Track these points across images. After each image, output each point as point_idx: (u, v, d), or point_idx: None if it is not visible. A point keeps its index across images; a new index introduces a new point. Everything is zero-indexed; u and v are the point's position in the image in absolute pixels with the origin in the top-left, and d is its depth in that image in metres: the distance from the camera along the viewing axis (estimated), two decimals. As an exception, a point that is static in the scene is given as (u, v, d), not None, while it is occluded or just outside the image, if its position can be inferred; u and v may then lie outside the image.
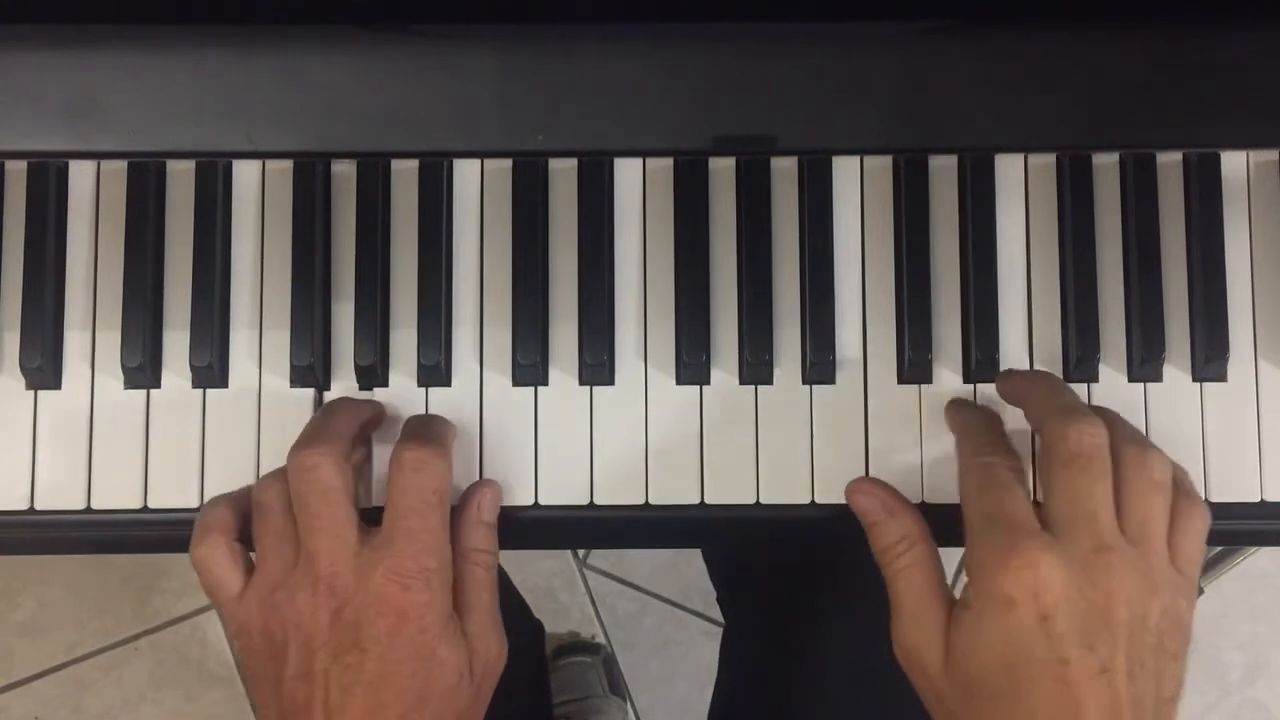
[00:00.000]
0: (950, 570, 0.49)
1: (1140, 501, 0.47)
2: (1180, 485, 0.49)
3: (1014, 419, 0.54)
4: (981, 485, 0.48)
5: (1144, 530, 0.46)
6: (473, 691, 0.49)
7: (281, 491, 0.49)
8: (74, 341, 0.55)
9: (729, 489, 0.55)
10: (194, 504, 0.54)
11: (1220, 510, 0.54)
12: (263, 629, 0.48)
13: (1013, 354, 0.55)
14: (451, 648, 0.48)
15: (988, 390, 0.55)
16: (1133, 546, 0.46)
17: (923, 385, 0.55)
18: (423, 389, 0.55)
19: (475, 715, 0.50)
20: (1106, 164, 0.56)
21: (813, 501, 0.55)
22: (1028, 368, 0.55)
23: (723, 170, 0.56)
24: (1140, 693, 0.44)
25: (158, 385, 0.55)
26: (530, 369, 0.55)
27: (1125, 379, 0.55)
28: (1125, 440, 0.48)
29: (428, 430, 0.52)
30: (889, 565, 0.49)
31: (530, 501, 0.55)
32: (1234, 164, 0.56)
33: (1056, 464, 0.47)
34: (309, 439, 0.49)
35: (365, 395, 0.55)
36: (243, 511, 0.50)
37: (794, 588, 0.78)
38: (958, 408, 0.54)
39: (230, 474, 0.54)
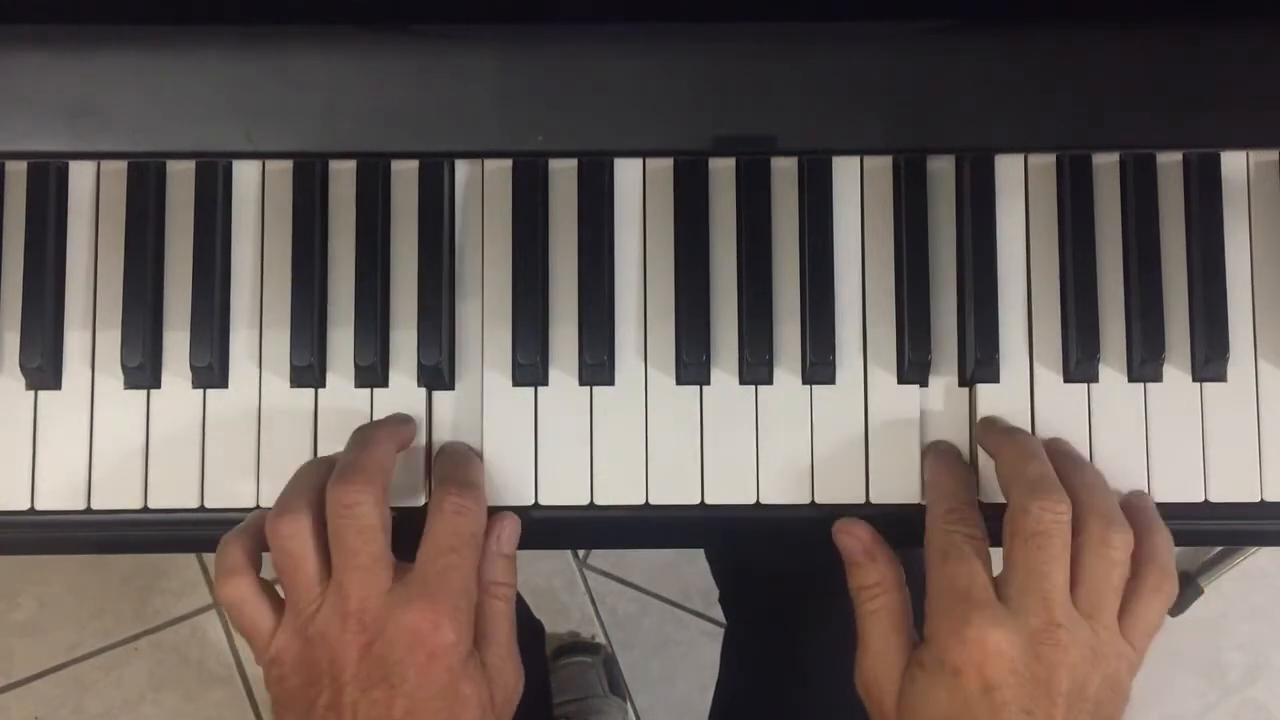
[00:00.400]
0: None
1: (1096, 578, 0.49)
2: (1157, 559, 0.51)
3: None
4: (944, 555, 0.50)
5: (1096, 605, 0.49)
6: None
7: (307, 536, 0.49)
8: (74, 341, 0.55)
9: (729, 489, 0.55)
10: (194, 504, 0.55)
11: (1220, 510, 0.54)
12: (297, 661, 0.48)
13: (1013, 354, 0.55)
14: (475, 684, 0.49)
15: (987, 390, 0.55)
16: (1083, 619, 0.48)
17: (922, 385, 0.55)
18: (423, 389, 0.55)
19: None
20: (1106, 164, 0.56)
21: (813, 502, 0.55)
22: (1028, 370, 0.55)
23: (723, 170, 0.56)
24: None
25: (158, 385, 0.55)
26: (530, 369, 0.55)
27: (1125, 379, 0.55)
28: (1091, 513, 0.50)
29: (468, 475, 0.53)
30: (861, 604, 0.52)
31: (530, 501, 0.55)
32: (1234, 164, 0.56)
33: (1017, 537, 0.49)
34: (350, 474, 0.49)
35: (364, 393, 0.55)
36: (257, 541, 0.51)
37: (795, 588, 0.78)
38: (934, 460, 0.54)
39: (230, 474, 0.55)
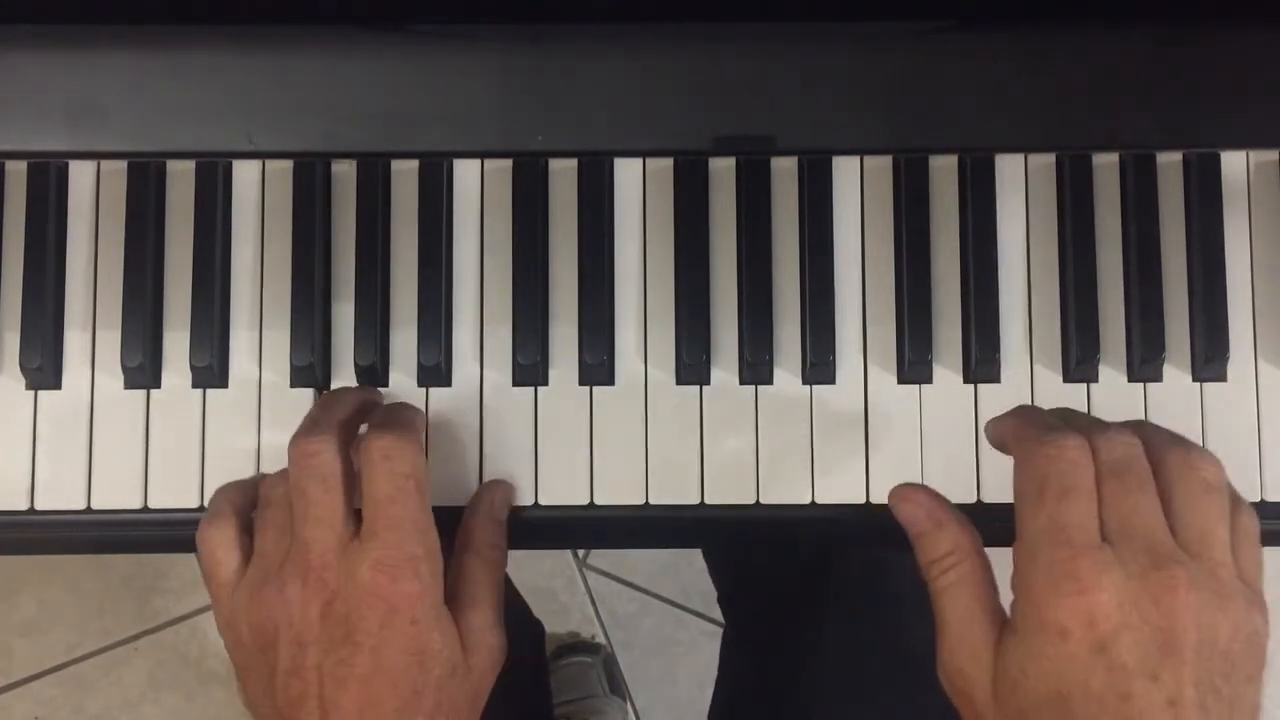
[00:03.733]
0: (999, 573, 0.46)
1: (1196, 507, 0.42)
2: (1229, 488, 0.44)
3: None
4: (1041, 489, 0.42)
5: (1205, 540, 0.42)
6: (471, 685, 0.49)
7: (287, 487, 0.48)
8: (74, 341, 0.55)
9: (729, 489, 0.55)
10: (194, 504, 0.55)
11: (1220, 510, 0.54)
12: (251, 623, 0.47)
13: (1013, 354, 0.55)
14: (445, 638, 0.47)
15: (987, 390, 0.55)
16: (1194, 559, 0.41)
17: (923, 385, 0.55)
18: (423, 389, 0.55)
19: (474, 709, 0.49)
20: (1106, 164, 0.56)
21: (813, 501, 0.55)
22: (1028, 370, 0.55)
23: (723, 170, 0.56)
24: None
25: (158, 385, 0.55)
26: (530, 369, 0.55)
27: (1125, 379, 0.55)
28: (1164, 443, 0.44)
29: (395, 418, 0.51)
30: (935, 580, 0.45)
31: (530, 501, 0.55)
32: (1234, 164, 0.56)
33: (1098, 475, 0.42)
34: (309, 427, 0.49)
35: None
36: (250, 500, 0.50)
37: (794, 588, 0.78)
38: (1003, 415, 0.48)
39: (230, 474, 0.54)
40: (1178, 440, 0.44)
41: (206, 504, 0.54)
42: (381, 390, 0.55)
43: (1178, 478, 0.42)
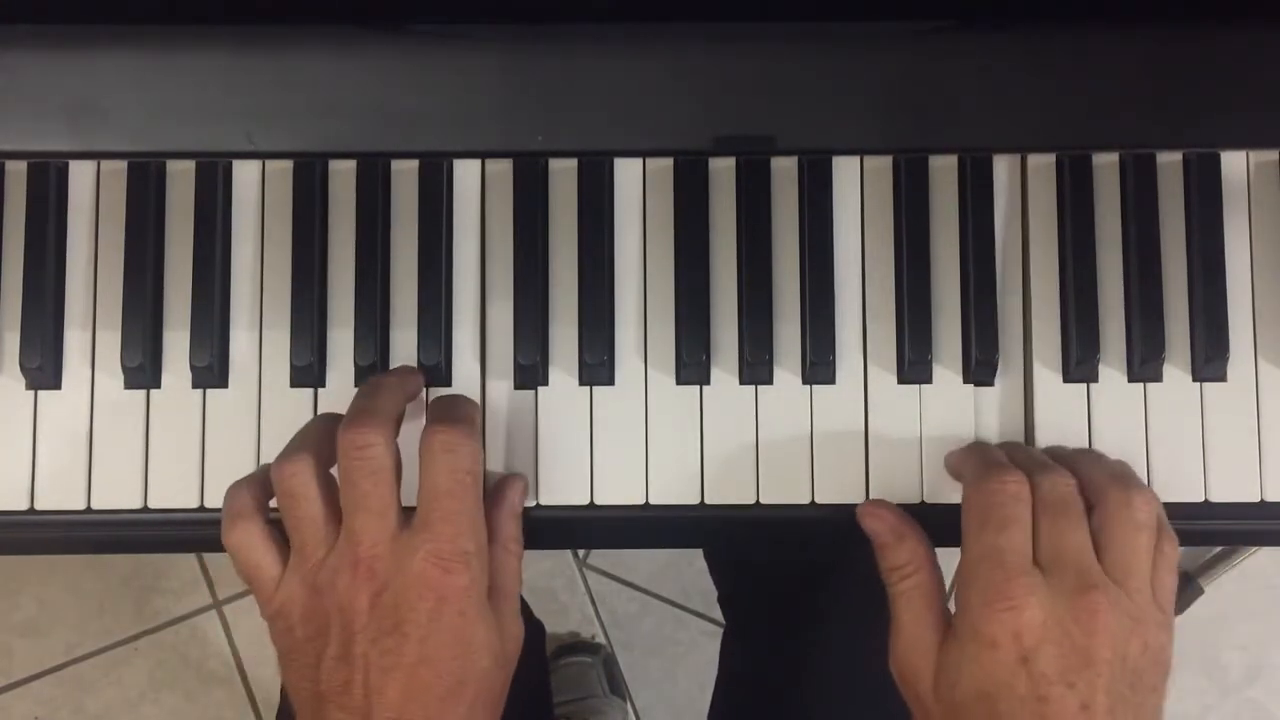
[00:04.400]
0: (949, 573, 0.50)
1: (1125, 542, 0.48)
2: (1160, 520, 0.50)
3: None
4: (984, 520, 0.48)
5: (1128, 570, 0.47)
6: (504, 675, 0.50)
7: (311, 474, 0.48)
8: (74, 341, 0.55)
9: (729, 489, 0.55)
10: (194, 504, 0.55)
11: (1220, 510, 0.54)
12: (305, 611, 0.47)
13: (1013, 354, 0.55)
14: (489, 630, 0.48)
15: (987, 390, 0.55)
16: (1116, 585, 0.47)
17: (923, 385, 0.55)
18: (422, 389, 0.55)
19: (502, 698, 0.50)
20: (1106, 164, 0.56)
21: (813, 501, 0.55)
22: (1027, 369, 0.55)
23: (723, 170, 0.56)
24: None
25: (158, 385, 0.55)
26: (530, 369, 0.55)
27: (1125, 379, 0.55)
28: (1107, 479, 0.49)
29: (456, 412, 0.51)
30: (893, 586, 0.51)
31: (530, 502, 0.55)
32: (1234, 164, 0.56)
33: (1035, 510, 0.48)
34: (361, 418, 0.48)
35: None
36: (265, 489, 0.50)
37: (794, 588, 0.78)
38: (952, 453, 0.54)
39: (230, 474, 0.54)
40: (1119, 478, 0.50)
41: (207, 503, 0.55)
42: (381, 390, 0.55)
43: (1112, 513, 0.48)
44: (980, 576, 0.47)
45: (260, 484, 0.50)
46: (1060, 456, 0.52)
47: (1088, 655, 0.45)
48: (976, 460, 0.51)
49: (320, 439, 0.50)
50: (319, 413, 0.55)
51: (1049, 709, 0.45)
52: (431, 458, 0.48)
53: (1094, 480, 0.49)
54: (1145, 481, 0.54)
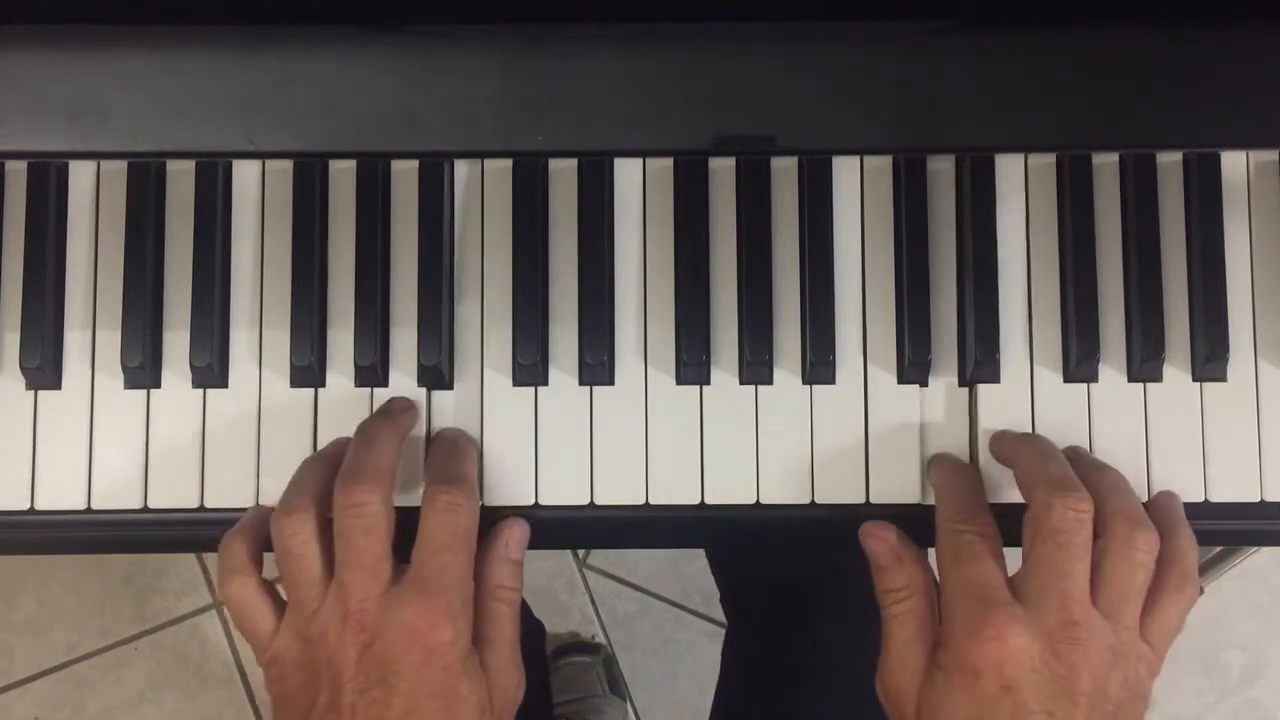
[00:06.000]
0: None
1: (1119, 580, 0.48)
2: (1182, 562, 0.50)
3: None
4: (957, 556, 0.49)
5: (1118, 606, 0.48)
6: None
7: (310, 535, 0.49)
8: (74, 341, 0.55)
9: (729, 489, 0.55)
10: (194, 504, 0.55)
11: (1220, 510, 0.54)
12: (297, 662, 0.49)
13: (1013, 354, 0.55)
14: (473, 683, 0.49)
15: (987, 390, 0.55)
16: (1105, 620, 0.48)
17: (923, 385, 0.55)
18: (423, 389, 0.55)
19: None
20: (1106, 164, 0.56)
21: (813, 501, 0.55)
22: (1028, 370, 0.55)
23: (723, 170, 0.56)
24: None
25: (158, 385, 0.55)
26: (530, 369, 0.55)
27: (1125, 379, 0.55)
28: (1117, 514, 0.49)
29: (460, 470, 0.52)
30: (887, 608, 0.51)
31: (530, 501, 0.55)
32: (1234, 164, 0.56)
33: (1038, 537, 0.48)
34: (356, 475, 0.49)
35: (364, 393, 0.55)
36: (259, 539, 0.51)
37: (795, 588, 0.78)
38: (938, 467, 0.54)
39: (230, 474, 0.55)
40: (1129, 514, 0.49)
41: (207, 503, 0.55)
42: (381, 390, 0.55)
43: (1114, 549, 0.48)
44: (961, 607, 0.48)
45: (255, 533, 0.51)
46: (1085, 466, 0.52)
47: (1068, 686, 0.46)
48: (948, 496, 0.52)
49: (320, 487, 0.51)
50: (318, 412, 0.55)
51: None
52: (433, 514, 0.50)
53: (1105, 509, 0.49)
54: (1146, 484, 0.54)
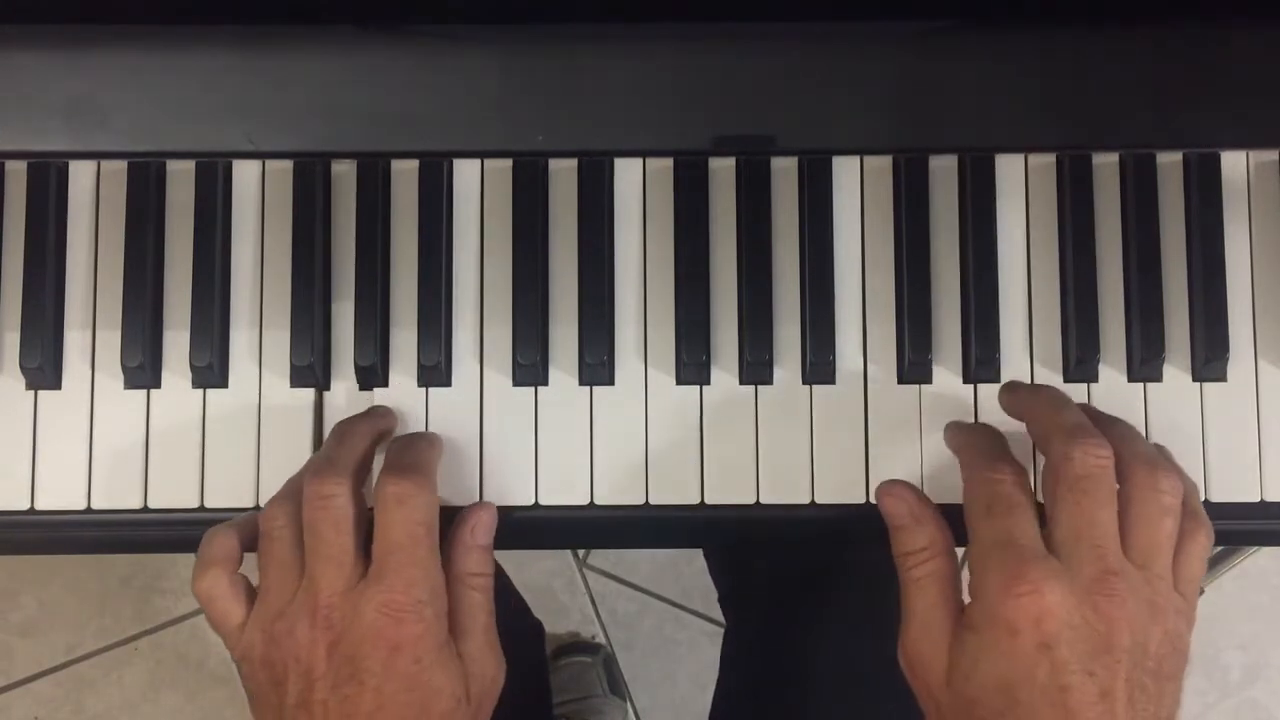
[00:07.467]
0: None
1: (1148, 525, 0.46)
2: (1187, 504, 0.48)
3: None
4: (990, 506, 0.47)
5: (1150, 555, 0.46)
6: (470, 714, 0.50)
7: (289, 519, 0.49)
8: (74, 341, 0.55)
9: (729, 489, 0.55)
10: (194, 504, 0.55)
11: (1220, 510, 0.54)
12: (263, 659, 0.48)
13: (1013, 354, 0.55)
14: (447, 674, 0.48)
15: (987, 391, 0.55)
16: (1137, 570, 0.46)
17: (923, 385, 0.55)
18: (423, 389, 0.55)
19: None
20: (1106, 164, 0.56)
21: (813, 501, 0.55)
22: (1028, 370, 0.55)
23: (723, 170, 0.56)
24: (1139, 717, 0.45)
25: (158, 385, 0.55)
26: (530, 369, 0.55)
27: (1125, 379, 0.55)
28: (1136, 458, 0.47)
29: (410, 459, 0.51)
30: (907, 571, 0.49)
31: (530, 501, 0.55)
32: (1234, 164, 0.56)
33: (1061, 486, 0.47)
34: (326, 467, 0.49)
35: (365, 394, 0.55)
36: (247, 536, 0.51)
37: (795, 588, 0.78)
38: (958, 427, 0.53)
39: (230, 474, 0.55)
40: (1148, 458, 0.48)
41: (207, 503, 0.55)
42: (381, 390, 0.55)
43: (1138, 495, 0.47)
44: (994, 561, 0.46)
45: (239, 529, 0.51)
46: (1098, 421, 0.50)
47: (1107, 642, 0.44)
48: (975, 448, 0.50)
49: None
50: (318, 412, 0.55)
51: (1069, 698, 0.44)
52: (384, 509, 0.49)
53: (1123, 457, 0.47)
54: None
